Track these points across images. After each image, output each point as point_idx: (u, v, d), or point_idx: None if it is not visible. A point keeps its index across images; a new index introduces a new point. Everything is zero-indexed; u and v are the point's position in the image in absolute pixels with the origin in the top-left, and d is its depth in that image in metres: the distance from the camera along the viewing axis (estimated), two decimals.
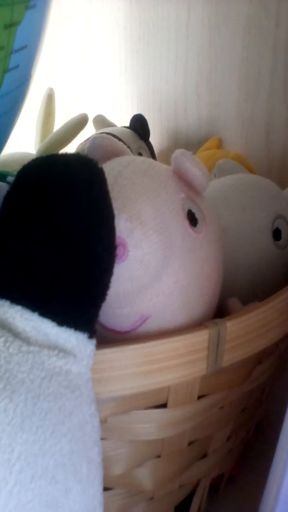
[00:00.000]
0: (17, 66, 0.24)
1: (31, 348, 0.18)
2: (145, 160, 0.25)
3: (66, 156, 0.20)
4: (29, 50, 0.25)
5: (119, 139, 0.28)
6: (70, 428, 0.18)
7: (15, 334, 0.18)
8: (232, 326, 0.23)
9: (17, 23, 0.23)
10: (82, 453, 0.18)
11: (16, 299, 0.18)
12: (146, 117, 0.49)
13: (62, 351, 0.18)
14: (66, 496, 0.17)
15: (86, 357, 0.19)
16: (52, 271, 0.18)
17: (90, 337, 0.19)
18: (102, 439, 0.24)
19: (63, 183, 0.19)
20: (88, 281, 0.19)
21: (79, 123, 0.46)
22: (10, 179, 0.29)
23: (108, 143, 0.27)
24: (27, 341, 0.18)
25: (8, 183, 0.29)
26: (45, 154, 0.21)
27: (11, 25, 0.22)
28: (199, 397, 0.25)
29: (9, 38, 0.23)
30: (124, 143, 0.28)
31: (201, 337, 0.23)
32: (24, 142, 0.50)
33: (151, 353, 0.22)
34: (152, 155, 0.50)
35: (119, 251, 0.21)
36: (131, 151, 0.42)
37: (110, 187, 0.20)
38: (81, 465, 0.18)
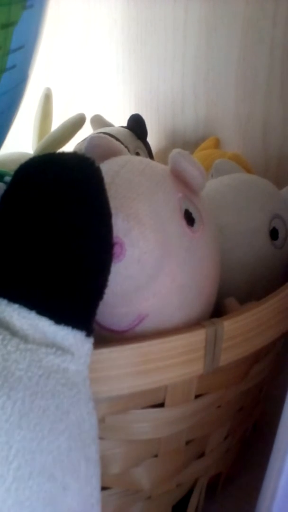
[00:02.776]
0: (14, 66, 0.24)
1: (29, 346, 0.18)
2: (142, 159, 0.25)
3: (63, 155, 0.20)
4: (26, 50, 0.25)
5: (117, 139, 0.28)
6: (67, 425, 0.18)
7: (13, 333, 0.18)
8: (229, 325, 0.23)
9: (14, 23, 0.23)
10: (79, 450, 0.18)
11: (13, 297, 0.18)
12: (144, 117, 0.49)
13: (60, 349, 0.18)
14: (64, 493, 0.17)
15: (84, 355, 0.19)
16: (49, 269, 0.18)
17: (88, 335, 0.19)
18: (99, 438, 0.24)
19: (60, 181, 0.19)
20: (85, 280, 0.19)
21: (77, 123, 0.46)
22: (8, 179, 0.29)
23: (105, 143, 0.27)
24: (24, 339, 0.18)
25: (5, 183, 0.29)
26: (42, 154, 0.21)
27: (8, 25, 0.22)
28: (196, 396, 0.25)
29: (6, 38, 0.23)
30: (122, 143, 0.28)
31: (198, 336, 0.23)
32: (22, 142, 0.50)
33: (148, 352, 0.22)
34: (150, 155, 0.50)
35: (116, 250, 0.21)
36: (129, 151, 0.42)
37: (107, 187, 0.20)
38: (79, 463, 0.18)
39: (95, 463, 0.19)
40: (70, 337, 0.19)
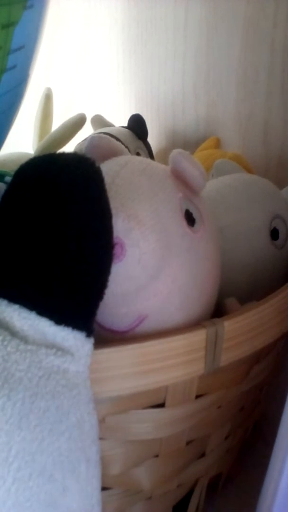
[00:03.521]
0: (14, 66, 0.24)
1: (29, 346, 0.18)
2: (143, 160, 0.25)
3: (63, 155, 0.20)
4: (27, 50, 0.25)
5: (117, 139, 0.28)
6: (68, 426, 0.18)
7: (13, 333, 0.18)
8: (229, 325, 0.23)
9: (15, 23, 0.23)
10: (80, 451, 0.18)
11: (14, 298, 0.18)
12: (144, 117, 0.49)
13: (60, 350, 0.18)
14: (64, 494, 0.17)
15: (84, 356, 0.19)
16: (49, 270, 0.18)
17: (88, 336, 0.19)
18: (100, 438, 0.24)
19: (60, 182, 0.19)
20: (85, 280, 0.19)
21: (77, 123, 0.46)
22: (8, 179, 0.29)
23: (105, 143, 0.27)
24: (24, 340, 0.18)
25: (6, 183, 0.29)
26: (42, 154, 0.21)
27: (8, 25, 0.22)
28: (197, 396, 0.25)
29: (7, 38, 0.23)
30: (122, 143, 0.28)
31: (198, 336, 0.23)
32: (22, 142, 0.50)
33: (149, 353, 0.22)
34: (150, 155, 0.50)
35: (116, 251, 0.21)
36: (129, 151, 0.42)
37: (107, 187, 0.20)
38: (79, 464, 0.18)
39: (95, 464, 0.19)
40: (70, 338, 0.19)
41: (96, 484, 0.19)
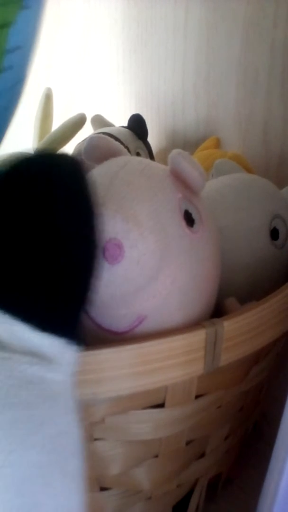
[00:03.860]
0: (10, 67, 0.24)
1: (2, 354, 0.17)
2: (142, 160, 0.25)
3: (43, 153, 0.19)
4: (23, 51, 0.25)
5: (117, 139, 0.28)
6: (41, 438, 0.16)
7: None
8: (229, 325, 0.23)
9: (11, 24, 0.23)
10: (54, 465, 0.17)
11: None
12: (144, 117, 0.49)
13: (37, 357, 0.17)
14: (36, 510, 0.16)
15: (65, 363, 0.18)
16: (28, 272, 0.17)
17: (71, 342, 0.18)
18: (99, 439, 0.24)
19: (40, 180, 0.18)
20: (66, 284, 0.18)
21: (77, 123, 0.46)
22: None
23: (104, 143, 0.27)
24: (0, 346, 0.17)
25: None
26: None
27: (4, 26, 0.22)
28: (197, 396, 0.25)
29: (2, 39, 0.23)
30: (122, 143, 0.28)
31: (198, 336, 0.23)
32: (22, 142, 0.50)
33: (149, 353, 0.22)
34: (150, 155, 0.50)
35: (115, 252, 0.21)
36: (129, 151, 0.42)
37: (106, 187, 0.20)
38: (53, 478, 0.16)
39: (75, 478, 0.17)
40: (49, 345, 0.17)
41: (75, 498, 0.17)
